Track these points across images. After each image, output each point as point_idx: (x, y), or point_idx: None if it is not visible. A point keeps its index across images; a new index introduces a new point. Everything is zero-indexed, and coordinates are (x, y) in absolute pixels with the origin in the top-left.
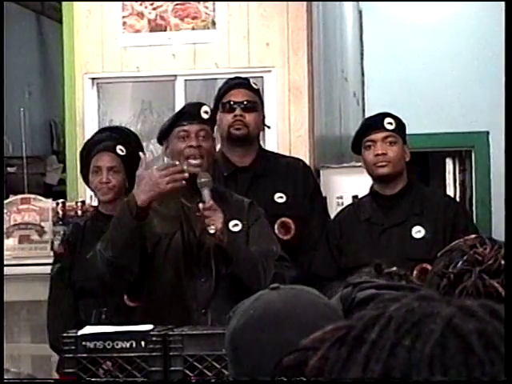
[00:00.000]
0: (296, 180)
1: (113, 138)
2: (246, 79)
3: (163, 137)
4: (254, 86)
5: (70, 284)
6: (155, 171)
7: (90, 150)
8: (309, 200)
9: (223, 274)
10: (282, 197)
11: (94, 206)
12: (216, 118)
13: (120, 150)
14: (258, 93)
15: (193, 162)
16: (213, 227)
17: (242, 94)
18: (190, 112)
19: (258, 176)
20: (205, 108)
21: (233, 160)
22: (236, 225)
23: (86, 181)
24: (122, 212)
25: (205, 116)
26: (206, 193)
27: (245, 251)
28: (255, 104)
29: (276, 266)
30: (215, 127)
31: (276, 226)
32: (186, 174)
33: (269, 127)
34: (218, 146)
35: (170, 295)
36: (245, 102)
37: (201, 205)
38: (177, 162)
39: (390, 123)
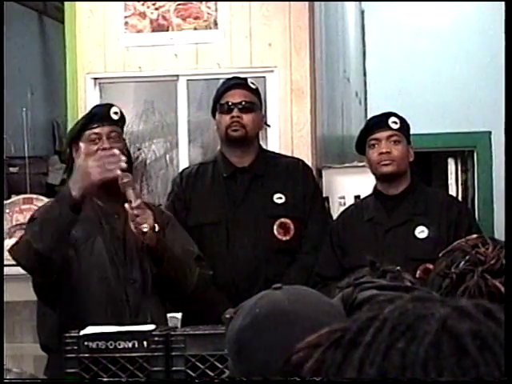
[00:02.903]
0: (295, 180)
1: None
2: (244, 79)
3: (73, 140)
4: (251, 85)
5: None
6: (89, 161)
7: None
8: (308, 200)
9: (153, 273)
10: (281, 197)
11: None
12: (125, 119)
13: None
14: (256, 92)
15: (111, 166)
16: (146, 225)
17: (239, 95)
18: (100, 114)
19: (258, 176)
20: (114, 109)
21: (232, 161)
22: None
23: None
24: (55, 204)
25: (115, 117)
26: (130, 193)
27: (171, 251)
28: (253, 104)
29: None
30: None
31: (275, 227)
32: (123, 164)
33: (269, 126)
34: (218, 147)
35: (98, 300)
36: (242, 103)
37: (127, 205)
38: (115, 151)
39: (395, 122)
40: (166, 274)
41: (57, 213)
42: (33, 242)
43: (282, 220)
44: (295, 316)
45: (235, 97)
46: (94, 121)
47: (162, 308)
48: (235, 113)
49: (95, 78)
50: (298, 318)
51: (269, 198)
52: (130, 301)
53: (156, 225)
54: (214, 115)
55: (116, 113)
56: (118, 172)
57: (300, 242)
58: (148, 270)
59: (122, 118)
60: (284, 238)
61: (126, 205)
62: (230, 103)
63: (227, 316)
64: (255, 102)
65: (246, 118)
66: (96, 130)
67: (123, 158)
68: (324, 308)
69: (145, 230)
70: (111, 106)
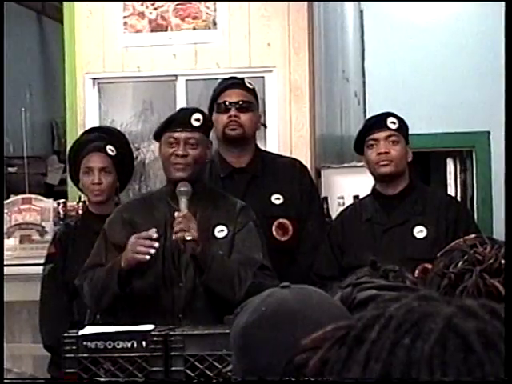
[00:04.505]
0: (293, 181)
1: (102, 138)
2: (241, 79)
3: (157, 138)
4: (249, 85)
5: (63, 284)
6: (132, 238)
7: (79, 150)
8: (306, 200)
9: (198, 282)
10: (278, 198)
11: (85, 206)
12: (211, 124)
13: (110, 150)
14: (253, 92)
15: (178, 174)
16: (189, 234)
17: (236, 94)
18: (181, 119)
19: (255, 177)
20: (196, 115)
21: (229, 161)
22: (221, 230)
23: (74, 180)
24: (109, 272)
25: (195, 123)
26: (183, 201)
27: (219, 261)
28: (250, 104)
29: (256, 275)
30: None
31: (273, 228)
32: (152, 251)
33: (266, 126)
34: (215, 148)
35: (147, 298)
36: (240, 102)
37: (176, 213)
38: (152, 233)
39: (393, 122)
40: (208, 283)
41: (107, 283)
42: (88, 297)
43: (281, 220)
44: (301, 316)
45: (232, 96)
46: (174, 125)
47: (213, 312)
48: (233, 112)
49: (94, 78)
50: (303, 318)
51: (267, 199)
52: (176, 303)
53: (222, 229)
54: (210, 115)
55: (198, 119)
56: (147, 257)
57: (299, 242)
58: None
59: (206, 124)
60: (283, 239)
61: (176, 213)
62: (227, 103)
63: (229, 317)
64: (252, 102)
65: (244, 118)
66: (174, 135)
67: (156, 244)
68: (331, 309)
69: (188, 237)
70: (194, 111)
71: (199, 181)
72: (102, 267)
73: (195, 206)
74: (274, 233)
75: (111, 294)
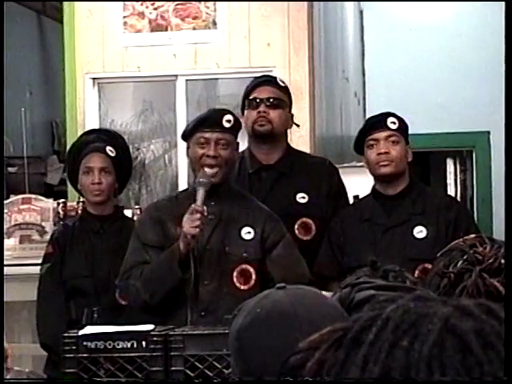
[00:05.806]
0: (320, 180)
1: (101, 139)
2: (273, 77)
3: (186, 138)
4: (280, 83)
5: (60, 284)
6: (185, 217)
7: (79, 151)
8: (332, 200)
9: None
10: (304, 197)
11: (83, 206)
12: (239, 125)
13: (110, 151)
14: (285, 90)
15: (209, 171)
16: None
17: (267, 91)
18: (213, 119)
19: (282, 175)
20: (228, 117)
21: (258, 157)
22: (248, 232)
23: (73, 182)
24: (168, 259)
25: (227, 125)
26: (200, 192)
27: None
28: (281, 101)
29: None
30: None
31: (296, 226)
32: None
33: (298, 126)
34: (246, 144)
35: (172, 294)
36: (270, 99)
37: (193, 205)
38: (198, 206)
39: (393, 122)
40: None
41: (167, 268)
42: (142, 292)
43: (304, 220)
44: (295, 318)
45: (263, 93)
46: (206, 125)
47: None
48: (262, 108)
49: (94, 78)
50: (297, 319)
51: (292, 197)
52: (200, 301)
53: (249, 231)
54: (242, 112)
55: (229, 121)
56: (198, 230)
57: (321, 242)
58: (226, 272)
59: (236, 126)
60: (305, 238)
61: (192, 205)
62: (257, 99)
63: (228, 317)
64: (283, 99)
65: (273, 114)
66: (205, 135)
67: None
68: (326, 310)
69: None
70: (225, 113)
71: (226, 181)
72: (150, 264)
73: (221, 205)
74: (297, 232)
75: (171, 282)
